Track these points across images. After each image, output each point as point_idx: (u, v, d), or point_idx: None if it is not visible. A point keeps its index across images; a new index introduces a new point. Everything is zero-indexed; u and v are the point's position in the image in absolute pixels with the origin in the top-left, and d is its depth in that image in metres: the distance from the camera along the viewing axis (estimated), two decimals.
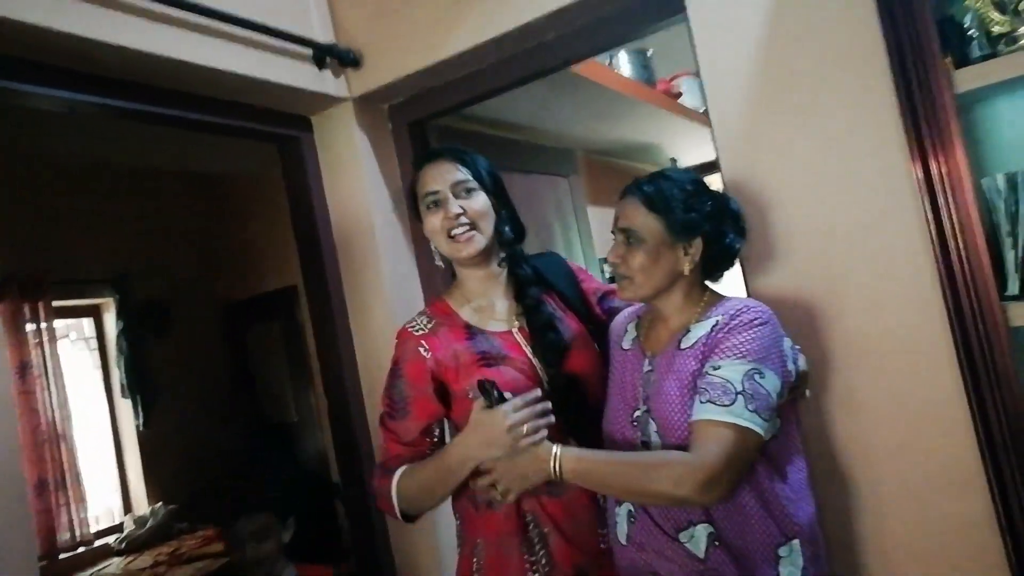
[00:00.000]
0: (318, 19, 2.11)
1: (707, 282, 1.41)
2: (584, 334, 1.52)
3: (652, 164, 4.17)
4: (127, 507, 4.27)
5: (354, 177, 2.20)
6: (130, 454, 4.33)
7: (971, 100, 1.45)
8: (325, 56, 2.06)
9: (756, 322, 1.26)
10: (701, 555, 1.25)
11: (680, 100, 3.13)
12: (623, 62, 2.91)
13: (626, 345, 1.48)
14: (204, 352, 4.82)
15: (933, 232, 1.40)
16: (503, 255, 1.53)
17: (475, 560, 1.45)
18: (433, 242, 1.49)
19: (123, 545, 3.86)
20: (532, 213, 2.69)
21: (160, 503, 4.16)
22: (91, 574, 3.57)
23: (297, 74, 2.00)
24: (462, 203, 1.44)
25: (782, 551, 1.26)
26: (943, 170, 1.38)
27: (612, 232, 1.40)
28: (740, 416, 1.19)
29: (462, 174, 1.46)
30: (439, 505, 1.47)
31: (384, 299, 2.17)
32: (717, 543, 1.25)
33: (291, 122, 2.18)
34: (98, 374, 4.41)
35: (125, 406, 4.31)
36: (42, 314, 3.86)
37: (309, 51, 2.03)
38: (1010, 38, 1.38)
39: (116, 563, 3.69)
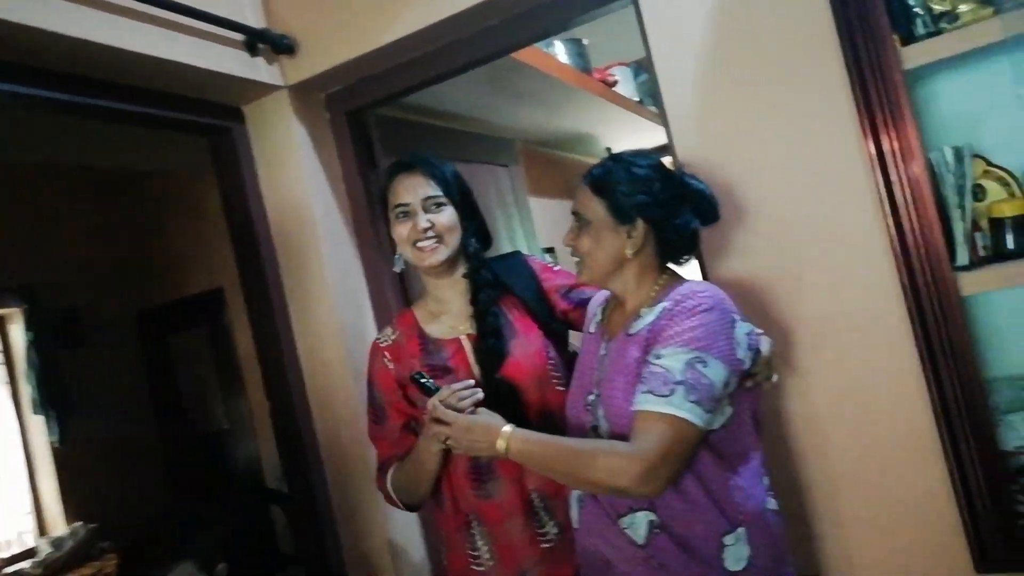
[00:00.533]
0: (250, 3, 2.00)
1: (670, 265, 1.39)
2: (537, 339, 1.52)
3: (589, 155, 4.18)
4: (42, 529, 4.00)
5: (291, 169, 2.10)
6: (43, 473, 4.06)
7: (915, 77, 1.49)
8: (257, 42, 1.96)
9: (700, 308, 1.23)
10: (641, 541, 1.25)
11: (614, 89, 3.14)
12: (559, 52, 2.89)
13: (592, 328, 1.48)
14: (122, 362, 4.57)
15: (887, 206, 1.43)
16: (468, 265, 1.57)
17: (442, 550, 1.59)
18: (399, 248, 1.54)
19: (40, 570, 3.60)
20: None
21: (80, 523, 3.91)
22: None
23: (228, 61, 1.89)
24: (431, 217, 1.48)
25: (727, 539, 1.24)
26: (895, 145, 1.41)
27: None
28: (679, 407, 1.16)
29: (432, 189, 1.50)
30: (430, 491, 1.51)
31: (327, 294, 2.08)
32: (658, 530, 1.25)
33: (223, 113, 2.06)
34: (5, 390, 4.11)
35: (37, 422, 4.03)
36: None
37: (241, 36, 1.92)
38: (952, 16, 1.43)
39: None
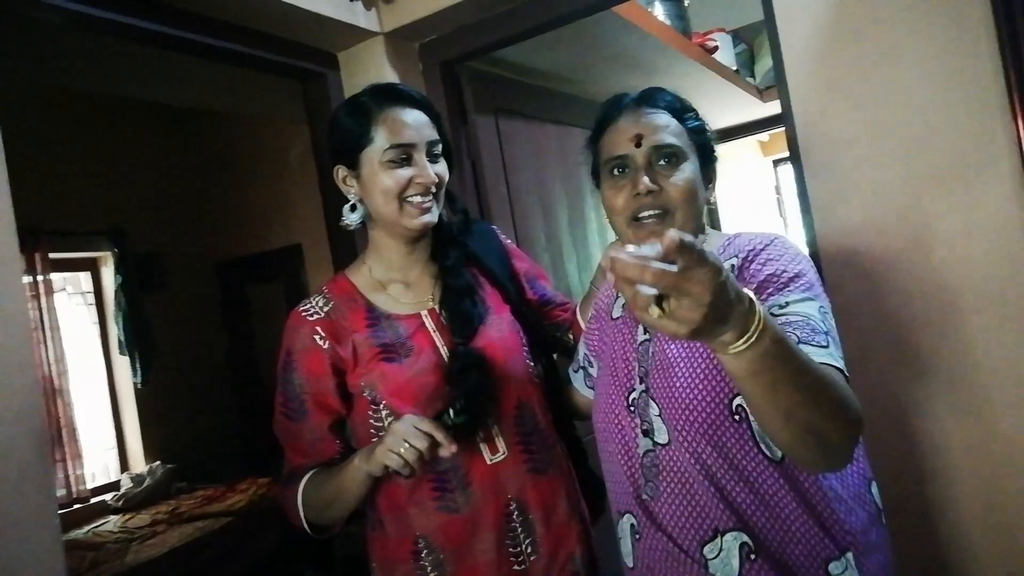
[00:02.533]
0: None
1: None
2: (510, 321, 1.31)
3: None
4: (124, 465, 4.19)
5: None
6: (127, 412, 4.23)
7: None
8: None
9: (793, 254, 1.03)
10: (734, 574, 0.98)
11: (714, 56, 3.00)
12: (659, 13, 2.78)
13: (616, 313, 1.22)
14: (202, 310, 4.70)
15: None
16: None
17: None
18: (377, 198, 1.22)
19: (120, 503, 3.78)
20: (565, 166, 2.57)
21: (158, 462, 4.06)
22: (88, 531, 3.48)
23: (326, 2, 1.86)
24: (435, 169, 1.23)
25: (833, 568, 0.98)
26: None
27: (612, 165, 1.12)
28: (840, 362, 0.91)
29: (435, 134, 1.25)
30: (344, 516, 1.24)
31: None
32: (753, 556, 0.97)
33: (318, 58, 2.04)
34: (95, 330, 4.29)
35: (123, 363, 4.21)
36: (39, 266, 3.73)
37: None
38: None
39: (113, 521, 3.61)
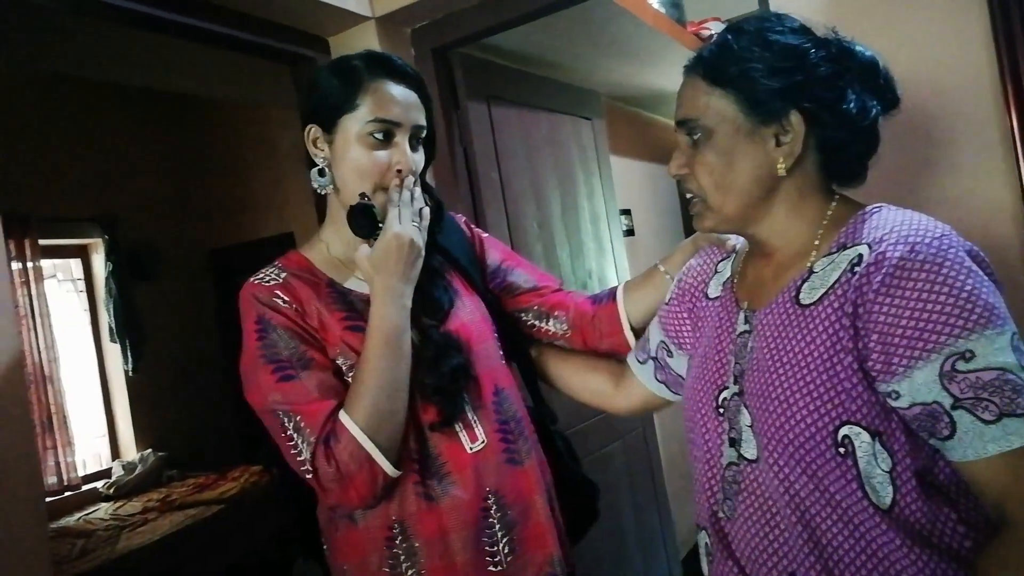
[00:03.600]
0: None
1: (836, 187, 0.95)
2: (479, 306, 1.25)
3: (672, 117, 4.03)
4: (115, 453, 4.18)
5: None
6: (118, 399, 4.22)
7: None
8: None
9: (961, 261, 0.79)
10: None
11: None
12: (653, 1, 2.76)
13: (714, 291, 1.06)
14: (195, 298, 4.68)
15: (1022, 166, 1.29)
16: None
17: None
18: (348, 174, 1.12)
19: (111, 490, 3.77)
20: (556, 154, 2.56)
21: (149, 450, 4.06)
22: (79, 518, 3.47)
23: None
24: (416, 158, 1.15)
25: None
26: None
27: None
28: None
29: (422, 119, 1.16)
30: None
31: None
32: None
33: (308, 42, 2.02)
34: (86, 317, 4.27)
35: (113, 350, 4.20)
36: (28, 252, 3.71)
37: None
38: None
39: (104, 508, 3.60)
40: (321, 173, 1.15)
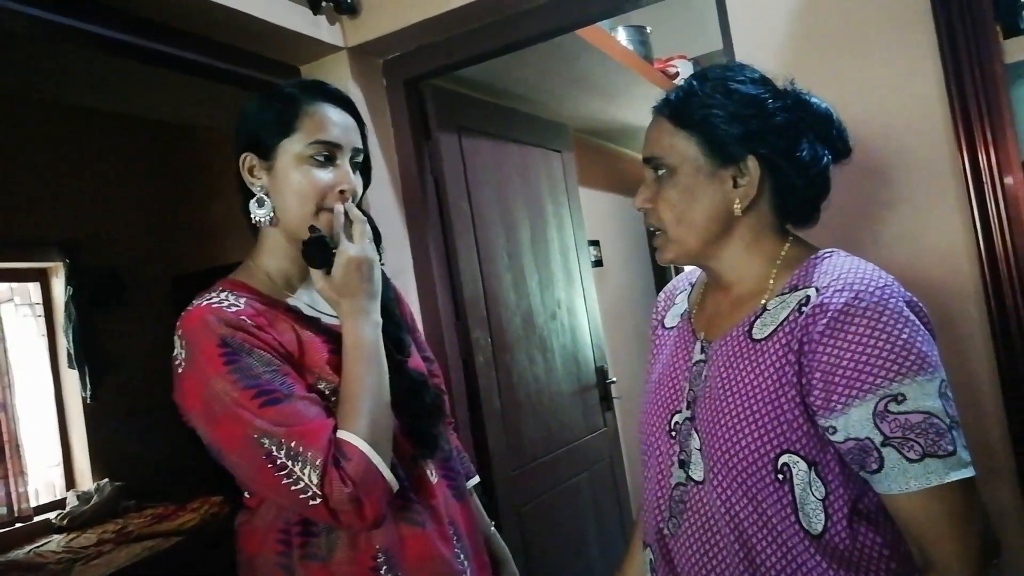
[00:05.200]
0: None
1: (791, 228, 1.02)
2: (413, 345, 1.25)
3: (640, 150, 4.10)
4: (70, 482, 4.05)
5: None
6: (75, 427, 4.10)
7: (1015, 74, 1.40)
8: None
9: (897, 309, 0.85)
10: None
11: (675, 82, 3.06)
12: (621, 38, 2.82)
13: (670, 322, 1.13)
14: (156, 324, 4.58)
15: (975, 203, 1.34)
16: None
17: None
18: (290, 199, 1.10)
19: (65, 522, 3.65)
20: (526, 186, 2.59)
21: (106, 479, 3.94)
22: (29, 551, 3.35)
23: (290, 16, 1.85)
24: (356, 180, 1.14)
25: None
26: (989, 140, 1.32)
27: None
28: (968, 461, 0.82)
29: (360, 142, 1.16)
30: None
31: None
32: None
33: (281, 71, 2.02)
34: (43, 342, 4.16)
35: (71, 377, 4.09)
36: None
37: None
38: None
39: (57, 540, 3.48)
40: (260, 203, 1.11)
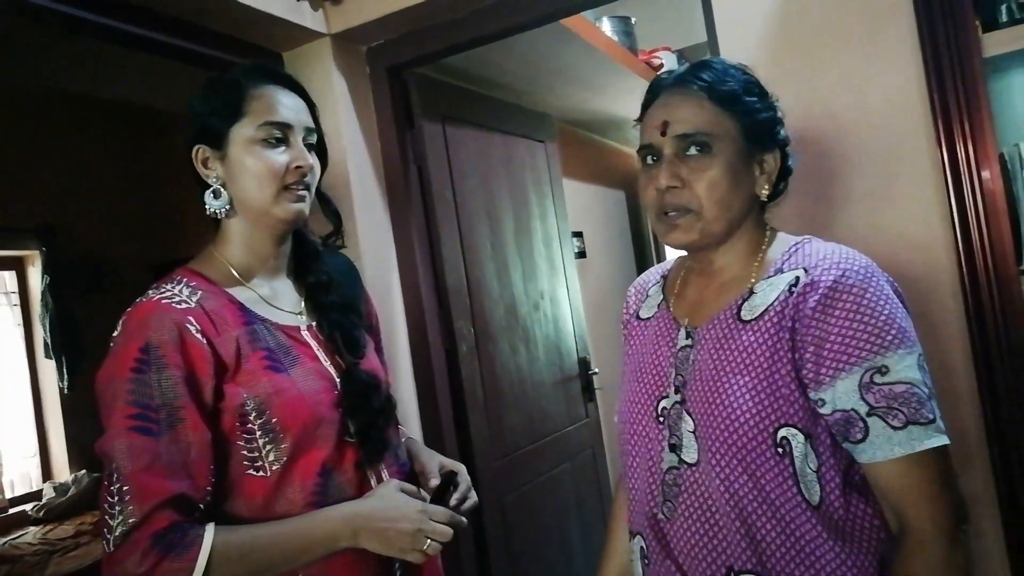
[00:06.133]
0: None
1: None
2: (374, 354, 1.25)
3: (623, 142, 4.11)
4: (47, 474, 4.00)
5: (328, 123, 1.98)
6: (52, 418, 4.05)
7: (993, 68, 1.42)
8: None
9: (879, 286, 0.90)
10: None
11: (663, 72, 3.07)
12: (606, 29, 2.82)
13: (646, 313, 1.15)
14: None
15: (952, 195, 1.36)
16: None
17: None
18: (247, 183, 1.08)
19: (41, 513, 3.60)
20: (510, 176, 2.59)
21: (83, 471, 3.90)
22: (5, 543, 3.31)
23: (272, 1, 1.83)
24: (312, 161, 1.12)
25: None
26: (967, 133, 1.34)
27: (644, 153, 1.02)
28: (944, 429, 0.87)
29: (312, 122, 1.15)
30: None
31: (357, 258, 2.02)
32: None
33: (263, 56, 2.00)
34: (19, 332, 4.10)
35: (48, 367, 4.03)
36: None
37: None
38: None
39: (33, 532, 3.43)
40: (216, 194, 1.10)
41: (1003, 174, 1.36)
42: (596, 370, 2.94)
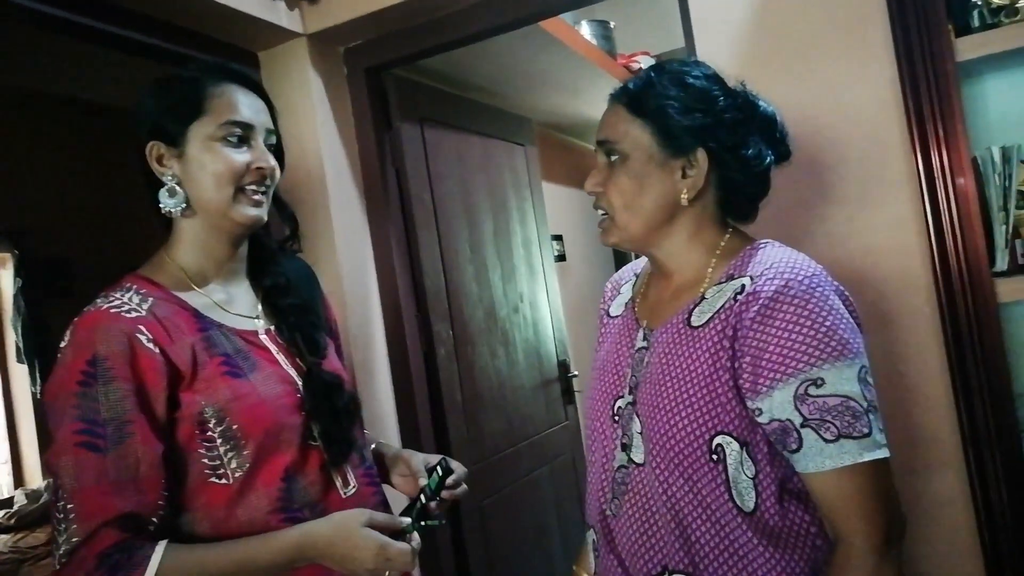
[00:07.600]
0: None
1: (731, 221, 1.07)
2: (336, 356, 1.23)
3: None
4: (18, 480, 3.93)
5: (304, 124, 2.02)
6: (24, 424, 3.98)
7: (966, 72, 1.43)
8: None
9: (824, 297, 0.90)
10: None
11: None
12: (585, 32, 2.82)
13: (615, 311, 1.17)
14: None
15: (926, 199, 1.37)
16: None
17: None
18: (205, 183, 1.05)
19: (13, 521, 3.54)
20: (489, 179, 2.58)
21: None
22: None
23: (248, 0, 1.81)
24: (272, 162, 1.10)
25: None
26: (941, 137, 1.34)
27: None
28: (884, 442, 0.87)
29: (272, 124, 1.13)
30: None
31: (334, 260, 2.01)
32: None
33: (238, 56, 1.98)
34: None
35: (20, 371, 3.96)
36: None
37: None
38: (1011, 9, 1.36)
39: (4, 540, 3.37)
40: (171, 192, 1.07)
41: (975, 177, 1.37)
42: (575, 373, 2.93)
